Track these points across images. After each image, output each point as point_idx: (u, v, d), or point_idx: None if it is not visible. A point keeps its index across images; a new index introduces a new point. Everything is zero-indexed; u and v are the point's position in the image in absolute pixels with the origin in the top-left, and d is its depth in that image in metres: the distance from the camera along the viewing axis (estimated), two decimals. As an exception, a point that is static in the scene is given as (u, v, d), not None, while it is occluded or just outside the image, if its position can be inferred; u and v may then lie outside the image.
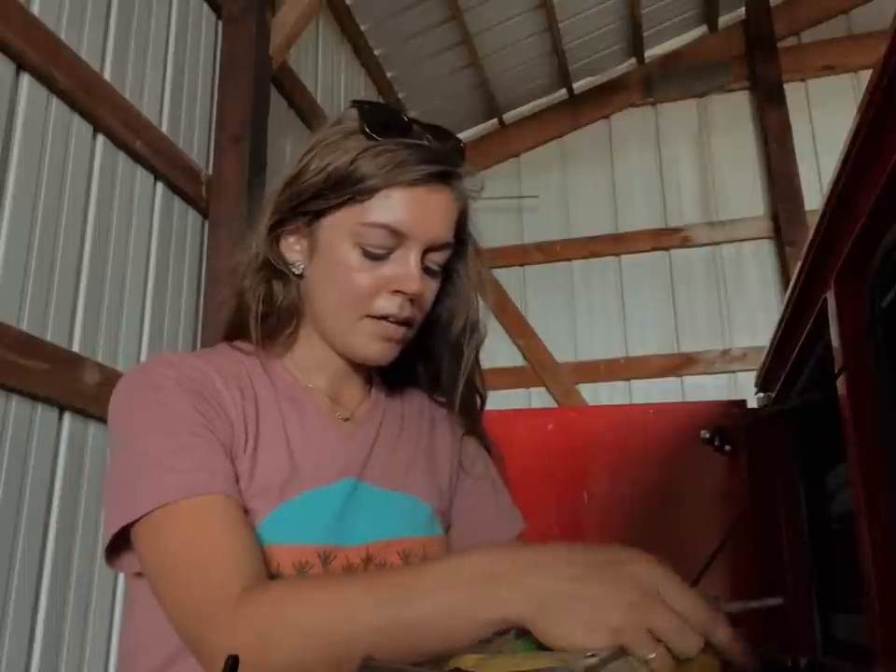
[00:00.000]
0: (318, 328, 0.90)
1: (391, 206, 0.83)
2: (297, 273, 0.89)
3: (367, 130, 0.85)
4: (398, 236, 0.84)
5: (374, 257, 0.84)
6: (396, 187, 0.83)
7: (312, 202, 0.86)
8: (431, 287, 0.88)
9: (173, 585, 0.73)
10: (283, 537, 0.80)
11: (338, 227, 0.85)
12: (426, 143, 0.86)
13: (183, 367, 0.83)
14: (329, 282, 0.86)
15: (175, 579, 0.73)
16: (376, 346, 0.87)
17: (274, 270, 0.89)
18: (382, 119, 0.86)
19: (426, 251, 0.86)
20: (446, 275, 0.93)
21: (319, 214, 0.86)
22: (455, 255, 0.92)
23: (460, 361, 0.96)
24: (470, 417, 1.01)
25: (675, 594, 0.57)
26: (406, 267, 0.84)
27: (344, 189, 0.84)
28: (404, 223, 0.83)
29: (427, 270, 0.86)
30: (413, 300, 0.85)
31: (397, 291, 0.84)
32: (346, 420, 0.93)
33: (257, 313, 0.89)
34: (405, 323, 0.86)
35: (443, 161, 0.86)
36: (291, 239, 0.89)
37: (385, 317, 0.85)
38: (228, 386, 0.84)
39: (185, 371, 0.82)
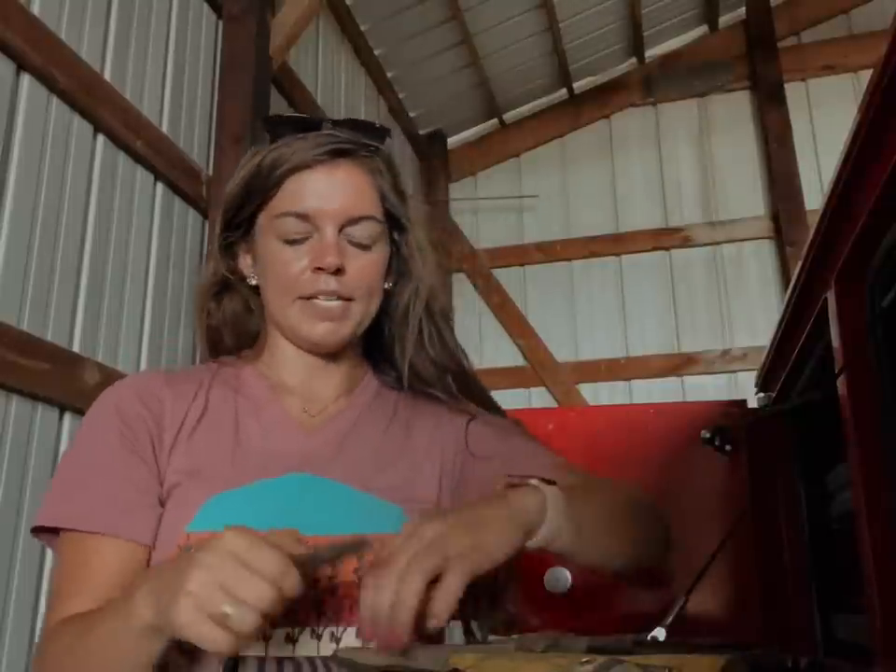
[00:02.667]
0: (276, 327, 0.96)
1: (293, 193, 0.90)
2: (252, 283, 0.96)
3: (268, 135, 0.92)
4: (306, 219, 0.89)
5: (292, 242, 0.90)
6: (294, 174, 0.90)
7: (238, 214, 0.94)
8: (361, 262, 0.91)
9: (52, 593, 0.86)
10: (219, 523, 0.80)
11: (262, 228, 0.93)
12: (324, 132, 0.91)
13: (133, 388, 0.92)
14: (267, 280, 0.93)
15: (53, 589, 0.86)
16: (320, 327, 0.90)
17: (230, 285, 0.98)
18: (283, 123, 0.94)
19: (344, 226, 0.90)
20: (394, 254, 0.97)
21: (250, 223, 0.94)
22: (396, 231, 0.97)
23: (405, 330, 0.97)
24: (447, 389, 0.99)
25: (252, 554, 0.63)
26: (320, 243, 0.89)
27: (256, 192, 0.92)
28: (308, 206, 0.89)
29: (354, 244, 0.91)
30: (339, 273, 0.88)
31: (317, 268, 0.88)
32: (313, 417, 0.94)
33: (208, 328, 0.98)
34: (338, 298, 0.89)
35: (341, 140, 0.91)
36: (242, 254, 0.97)
37: (314, 296, 0.89)
38: (175, 395, 0.91)
39: (130, 394, 0.91)
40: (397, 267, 0.98)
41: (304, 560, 0.66)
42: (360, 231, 0.91)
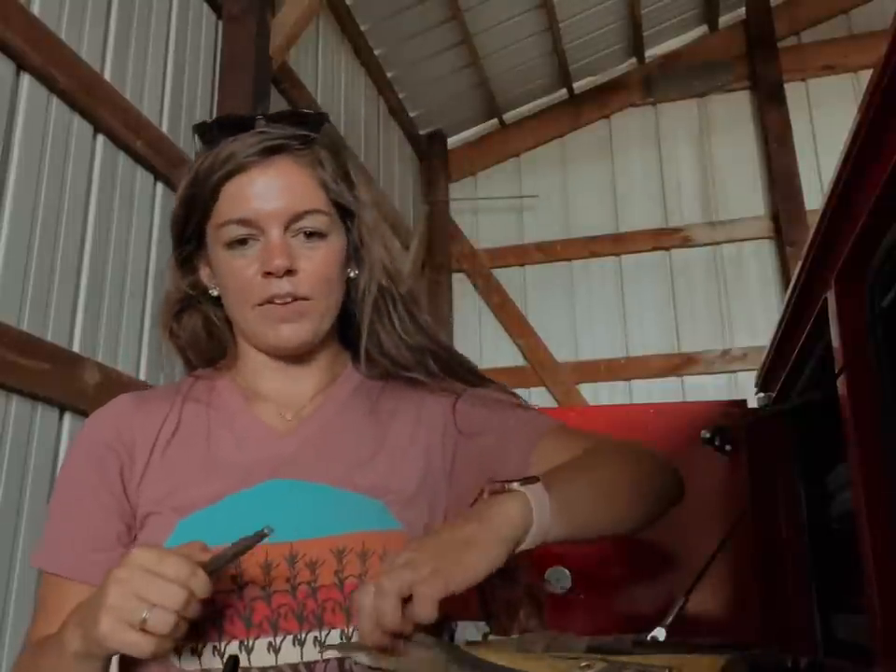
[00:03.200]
0: (242, 336, 0.94)
1: (232, 198, 0.88)
2: (215, 294, 0.94)
3: (201, 141, 0.90)
4: (248, 224, 0.87)
5: (239, 249, 0.88)
6: (230, 179, 0.88)
7: (186, 227, 0.92)
8: (314, 258, 0.89)
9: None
10: (199, 539, 0.79)
11: (210, 239, 0.91)
12: (256, 130, 0.88)
13: (107, 418, 0.93)
14: (224, 291, 0.91)
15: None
16: (283, 330, 0.88)
17: (192, 300, 0.96)
18: (213, 127, 0.91)
19: (289, 224, 0.87)
20: (350, 242, 0.94)
21: (200, 235, 0.92)
22: (347, 219, 0.94)
23: (364, 310, 0.94)
24: (429, 371, 0.96)
25: (161, 564, 0.69)
26: (266, 247, 0.87)
27: (197, 202, 0.90)
28: (248, 209, 0.87)
29: (304, 241, 0.88)
30: (289, 274, 0.86)
31: (266, 273, 0.86)
32: (289, 420, 0.93)
33: (178, 347, 0.98)
34: (294, 299, 0.87)
35: (272, 137, 0.88)
36: (201, 266, 0.95)
37: (269, 301, 0.87)
38: (146, 418, 0.92)
39: (103, 426, 0.92)
40: (355, 254, 0.95)
41: (210, 563, 0.72)
42: (308, 224, 0.88)
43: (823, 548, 1.48)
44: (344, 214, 0.93)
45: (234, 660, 0.74)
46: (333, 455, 0.90)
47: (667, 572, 1.74)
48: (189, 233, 0.93)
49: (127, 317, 2.32)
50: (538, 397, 4.50)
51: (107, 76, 2.31)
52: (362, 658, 0.67)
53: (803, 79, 4.51)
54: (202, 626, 0.79)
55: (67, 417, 2.03)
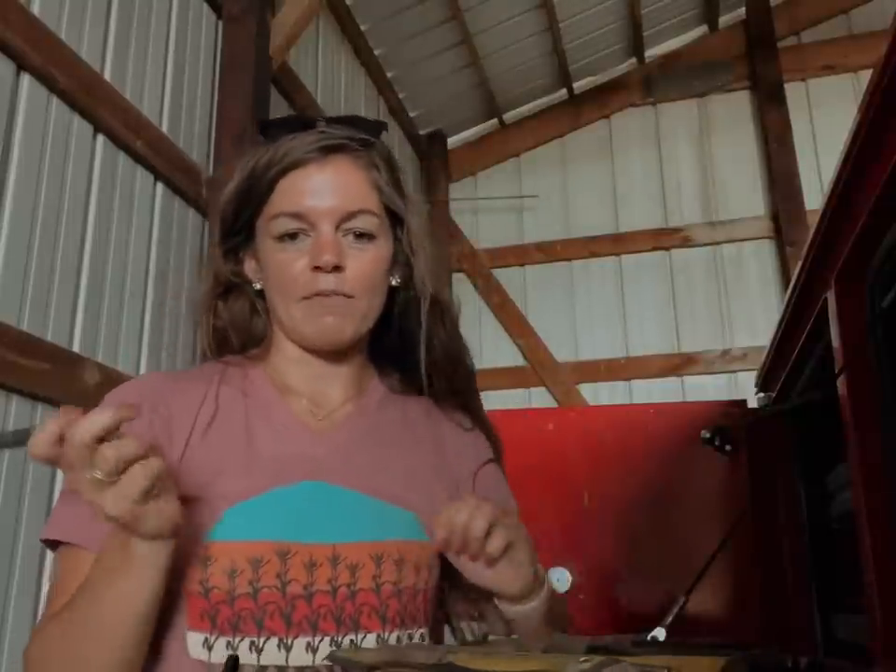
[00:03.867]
0: (281, 329, 0.95)
1: (287, 193, 0.89)
2: (258, 288, 0.95)
3: (263, 139, 0.91)
4: (301, 219, 0.88)
5: (289, 243, 0.89)
6: (287, 174, 0.89)
7: (237, 219, 0.93)
8: (362, 258, 0.90)
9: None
10: (239, 533, 0.81)
11: (260, 231, 0.92)
12: (317, 129, 0.90)
13: (139, 391, 0.90)
14: (269, 283, 0.92)
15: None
16: (324, 325, 0.89)
17: (235, 288, 0.97)
18: (277, 125, 0.93)
19: (340, 223, 0.89)
20: (398, 250, 0.96)
21: (250, 228, 0.93)
22: (398, 226, 0.95)
23: (416, 328, 0.95)
24: (464, 402, 1.00)
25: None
26: (317, 242, 0.88)
27: (251, 196, 0.91)
28: (302, 204, 0.88)
29: (354, 240, 0.89)
30: (337, 270, 0.87)
31: (315, 268, 0.87)
32: (321, 420, 0.93)
33: (214, 328, 0.97)
34: (338, 296, 0.88)
35: (332, 137, 0.90)
36: (246, 259, 0.96)
37: (314, 296, 0.88)
38: (184, 397, 0.90)
39: (136, 397, 0.87)
40: (401, 263, 0.96)
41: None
42: (358, 225, 0.89)
43: (823, 548, 1.48)
44: (394, 220, 0.95)
45: (234, 659, 0.74)
46: (366, 464, 0.91)
47: (667, 572, 1.74)
48: (240, 226, 0.94)
49: (127, 317, 2.32)
50: (538, 397, 4.50)
51: (107, 76, 2.31)
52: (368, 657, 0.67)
53: (803, 79, 4.50)
54: (240, 619, 0.79)
55: (67, 417, 2.03)
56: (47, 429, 0.66)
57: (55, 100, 2.10)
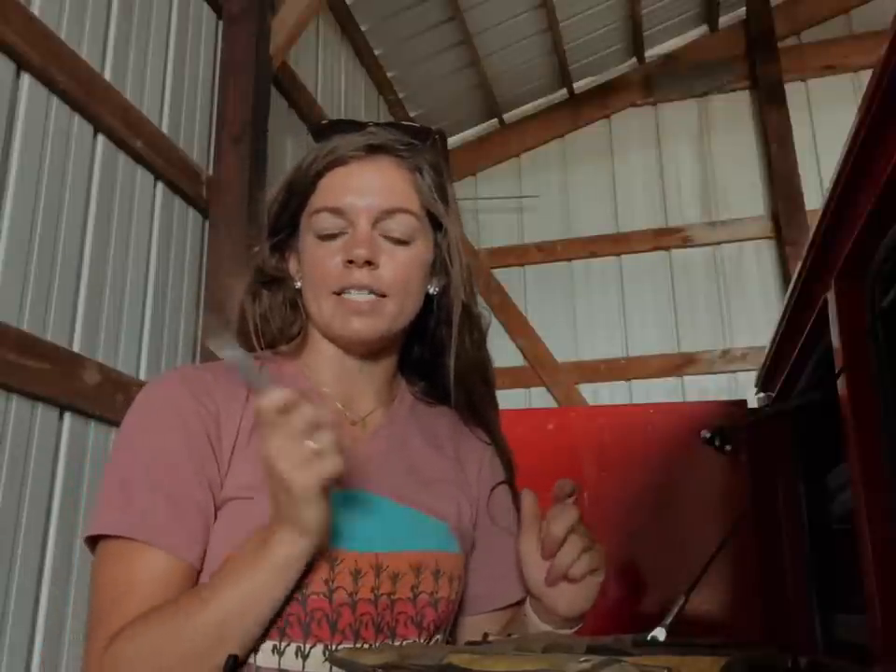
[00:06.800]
0: (315, 325, 0.94)
1: (328, 188, 0.90)
2: (297, 287, 0.95)
3: (312, 137, 0.93)
4: (340, 214, 0.89)
5: (327, 238, 0.89)
6: (330, 171, 0.90)
7: (282, 216, 0.94)
8: (397, 257, 0.89)
9: (94, 607, 0.80)
10: None
11: (303, 227, 0.93)
12: (364, 130, 0.91)
13: (184, 384, 0.87)
14: (306, 278, 0.93)
15: (96, 603, 0.80)
16: (354, 322, 0.88)
17: (277, 282, 0.96)
18: (329, 128, 0.94)
19: (378, 221, 0.89)
20: (437, 256, 0.95)
21: (294, 225, 0.94)
22: (437, 232, 0.95)
23: (449, 337, 0.95)
24: (482, 416, 1.01)
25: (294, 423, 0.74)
26: (352, 237, 0.88)
27: (296, 192, 0.92)
28: (340, 199, 0.89)
29: (390, 239, 0.89)
30: (369, 266, 0.87)
31: (348, 262, 0.87)
32: (354, 425, 0.93)
33: (256, 323, 0.94)
34: (370, 293, 0.88)
35: (377, 137, 0.91)
36: (290, 257, 0.96)
37: (346, 290, 0.88)
38: (228, 395, 0.87)
39: (183, 390, 0.86)
40: (439, 270, 0.95)
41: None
42: (395, 225, 0.89)
43: (823, 548, 1.48)
44: (435, 225, 0.94)
45: (234, 659, 0.74)
46: (398, 472, 0.92)
47: (667, 572, 1.74)
48: (284, 222, 0.95)
49: (127, 317, 2.32)
50: (538, 397, 4.50)
51: (107, 76, 2.31)
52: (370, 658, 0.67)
53: (803, 79, 4.50)
54: (287, 624, 0.79)
55: (67, 417, 2.03)
56: (277, 397, 0.72)
57: (55, 100, 2.10)
